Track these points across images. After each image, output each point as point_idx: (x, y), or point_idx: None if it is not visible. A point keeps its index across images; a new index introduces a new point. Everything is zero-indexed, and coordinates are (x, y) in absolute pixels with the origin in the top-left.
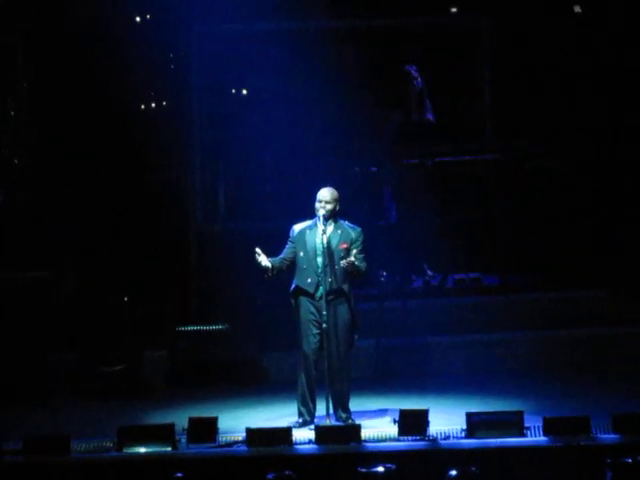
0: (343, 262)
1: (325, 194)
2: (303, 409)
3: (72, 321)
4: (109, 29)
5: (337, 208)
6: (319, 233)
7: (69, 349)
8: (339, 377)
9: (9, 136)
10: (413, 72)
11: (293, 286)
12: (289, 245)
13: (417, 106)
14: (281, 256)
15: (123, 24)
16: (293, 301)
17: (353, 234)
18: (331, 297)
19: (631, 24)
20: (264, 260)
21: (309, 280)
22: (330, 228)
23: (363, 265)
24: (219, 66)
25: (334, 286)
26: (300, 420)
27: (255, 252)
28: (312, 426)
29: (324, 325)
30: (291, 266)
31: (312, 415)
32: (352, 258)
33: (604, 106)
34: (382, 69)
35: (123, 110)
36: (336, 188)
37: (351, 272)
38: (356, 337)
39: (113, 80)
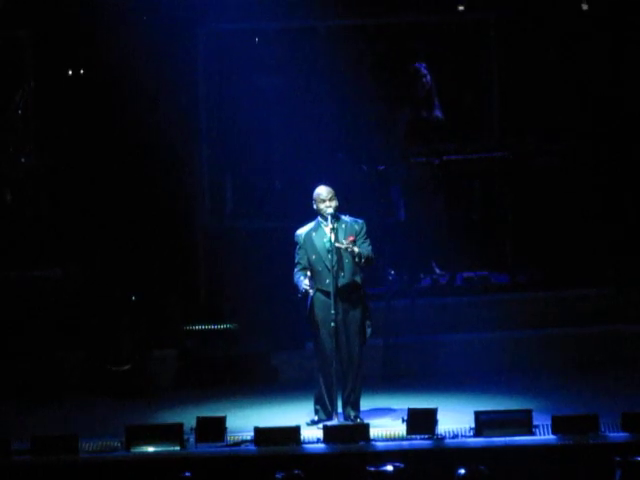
0: (344, 242)
1: (327, 193)
2: (318, 407)
3: (79, 319)
4: (116, 29)
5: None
6: (326, 232)
7: (77, 348)
8: (350, 375)
9: (16, 134)
10: (422, 69)
11: (313, 290)
12: (301, 252)
13: (426, 104)
14: (301, 267)
15: (130, 24)
16: (310, 303)
17: (357, 226)
18: (345, 293)
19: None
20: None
21: (327, 281)
22: (334, 224)
23: (368, 252)
24: (226, 65)
25: (345, 281)
26: (315, 418)
27: (306, 292)
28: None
29: (332, 324)
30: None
31: (328, 413)
32: (352, 246)
33: (614, 105)
34: (391, 67)
35: (130, 107)
36: (344, 186)
37: (357, 257)
38: (369, 331)
39: (120, 76)
